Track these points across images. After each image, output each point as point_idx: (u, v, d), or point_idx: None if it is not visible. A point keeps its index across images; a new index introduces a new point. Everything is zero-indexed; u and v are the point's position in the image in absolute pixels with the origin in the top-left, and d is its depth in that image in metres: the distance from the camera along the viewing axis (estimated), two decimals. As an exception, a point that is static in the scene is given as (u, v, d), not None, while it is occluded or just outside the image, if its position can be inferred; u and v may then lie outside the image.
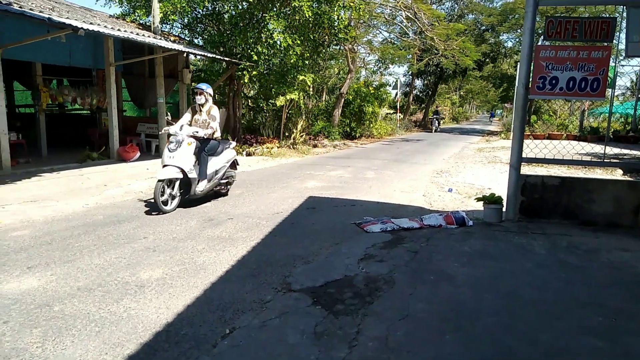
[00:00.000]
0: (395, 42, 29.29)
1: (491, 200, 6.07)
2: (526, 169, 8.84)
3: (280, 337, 2.95)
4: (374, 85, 23.65)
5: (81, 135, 13.16)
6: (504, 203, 6.12)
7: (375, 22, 25.10)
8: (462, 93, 59.81)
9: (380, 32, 28.98)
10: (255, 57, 12.99)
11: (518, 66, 12.54)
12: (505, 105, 47.09)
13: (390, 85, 29.39)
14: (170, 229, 5.44)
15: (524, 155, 5.95)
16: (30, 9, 8.26)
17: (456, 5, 33.28)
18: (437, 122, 30.79)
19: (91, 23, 9.67)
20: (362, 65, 31.10)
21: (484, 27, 33.03)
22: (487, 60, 34.44)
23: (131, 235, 5.13)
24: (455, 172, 11.00)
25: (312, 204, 7.03)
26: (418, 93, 39.04)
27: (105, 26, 10.23)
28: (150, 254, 4.50)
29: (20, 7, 8.03)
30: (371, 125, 22.52)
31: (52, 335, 2.86)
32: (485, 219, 6.08)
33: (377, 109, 22.20)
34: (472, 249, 4.90)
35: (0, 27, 8.48)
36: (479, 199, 6.34)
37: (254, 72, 13.38)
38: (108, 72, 10.96)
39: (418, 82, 38.01)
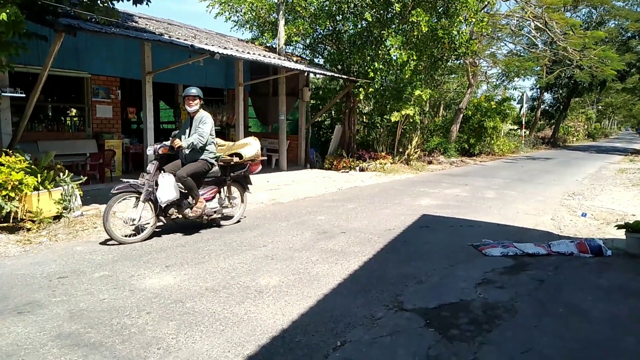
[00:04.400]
0: (522, 54, 27.43)
1: (636, 229, 5.33)
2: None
3: (391, 356, 2.91)
4: (496, 100, 22.36)
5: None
6: (653, 232, 5.32)
7: (499, 34, 23.84)
8: (600, 107, 53.70)
9: (505, 44, 27.34)
10: (371, 74, 13.16)
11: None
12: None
13: (515, 100, 27.53)
14: (287, 239, 5.71)
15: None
16: (177, 38, 9.42)
17: (594, 12, 30.15)
18: None
19: (225, 48, 10.69)
20: (484, 79, 29.68)
21: (629, 34, 29.40)
22: (633, 70, 30.47)
23: (253, 243, 5.49)
24: (591, 195, 9.86)
25: (426, 223, 6.84)
26: (547, 107, 35.95)
27: (237, 50, 11.23)
28: (269, 262, 4.77)
29: (169, 37, 9.21)
30: (492, 141, 21.27)
31: (184, 329, 3.18)
32: (628, 249, 5.34)
33: (499, 124, 20.91)
34: (610, 283, 4.34)
35: (153, 56, 9.79)
36: (620, 226, 5.60)
37: (370, 89, 13.55)
38: (237, 92, 11.98)
39: (547, 96, 35.04)
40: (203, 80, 13.22)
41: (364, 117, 18.22)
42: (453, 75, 25.24)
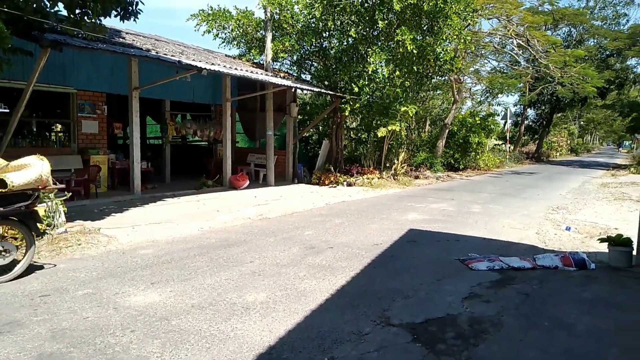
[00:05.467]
0: (505, 71, 28.01)
1: (619, 242, 5.42)
2: (662, 208, 7.77)
3: (379, 372, 2.90)
4: (480, 116, 22.74)
5: (198, 164, 14.47)
6: (634, 246, 5.42)
7: (483, 52, 24.35)
8: (582, 123, 54.83)
9: (489, 61, 27.88)
10: (356, 89, 13.32)
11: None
12: (637, 136, 42.03)
13: (499, 115, 28.03)
14: (274, 255, 5.68)
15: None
16: (164, 54, 9.44)
17: (574, 30, 31.01)
18: None
19: (212, 64, 10.75)
20: (468, 96, 30.16)
21: (607, 52, 30.24)
22: (612, 87, 31.28)
23: (239, 259, 5.46)
24: (575, 209, 10.03)
25: (413, 237, 6.88)
26: (530, 123, 36.63)
27: (224, 66, 11.29)
28: (256, 278, 4.74)
29: (156, 53, 9.23)
30: (477, 156, 21.56)
31: (169, 347, 3.13)
32: (611, 262, 5.43)
33: (483, 139, 21.23)
34: (594, 296, 4.40)
35: (140, 71, 9.80)
36: (602, 240, 5.70)
37: (357, 105, 13.69)
38: (225, 107, 12.01)
39: (531, 112, 35.72)
40: (190, 96, 13.23)
41: (351, 132, 18.36)
42: (438, 92, 25.59)
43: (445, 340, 3.36)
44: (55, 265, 5.04)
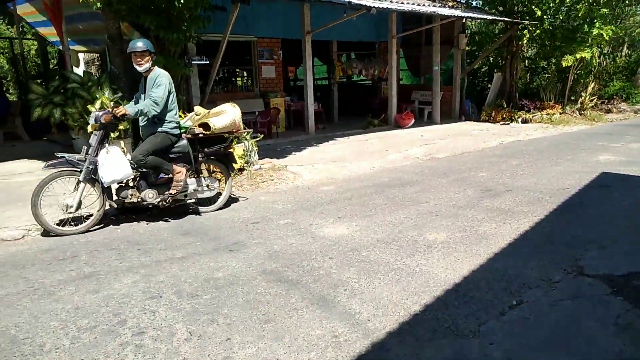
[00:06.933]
0: None
1: None
2: None
3: (574, 321, 2.85)
4: None
5: (362, 103, 14.80)
6: None
7: None
8: None
9: None
10: (538, 13, 11.78)
11: None
12: None
13: None
14: (449, 196, 5.72)
15: None
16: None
17: None
18: None
19: (380, 0, 10.57)
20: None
21: None
22: None
23: (415, 199, 5.65)
24: None
25: (607, 182, 6.16)
26: None
27: (390, 1, 11.02)
28: (433, 218, 4.89)
29: (327, -5, 9.46)
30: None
31: (364, 275, 3.53)
32: None
33: None
34: None
35: (311, 15, 10.22)
36: None
37: (537, 31, 12.16)
38: (390, 45, 11.88)
39: None
40: (356, 35, 13.33)
41: (526, 61, 16.53)
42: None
43: (653, 297, 3.09)
44: (255, 198, 5.92)
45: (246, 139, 7.22)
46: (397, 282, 3.42)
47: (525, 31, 12.17)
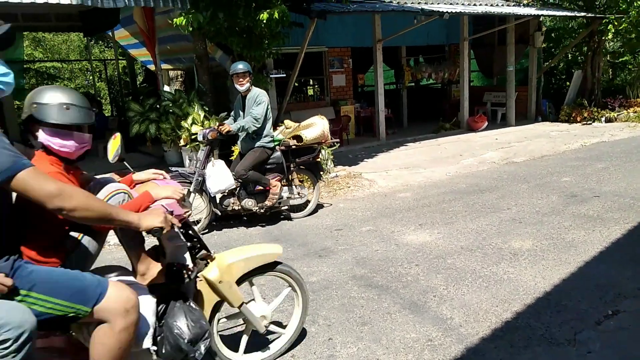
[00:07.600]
0: None
1: None
2: None
3: (678, 334, 2.79)
4: None
5: (431, 107, 14.66)
6: None
7: None
8: None
9: None
10: (623, 6, 11.08)
11: None
12: None
13: None
14: (531, 202, 5.64)
15: None
16: (405, 3, 9.74)
17: None
18: None
19: (451, 4, 10.53)
20: None
21: None
22: None
23: (495, 205, 5.63)
24: None
25: None
26: None
27: (462, 4, 10.93)
28: (517, 225, 4.86)
29: (397, 3, 9.60)
30: None
31: (451, 282, 3.64)
32: None
33: None
34: None
35: (381, 23, 10.38)
36: None
37: (623, 24, 11.44)
38: (462, 47, 11.75)
39: None
40: (425, 39, 13.30)
41: (607, 56, 15.53)
42: None
43: None
44: (335, 205, 6.18)
45: (323, 148, 7.51)
46: (486, 289, 3.50)
47: (610, 25, 11.49)
